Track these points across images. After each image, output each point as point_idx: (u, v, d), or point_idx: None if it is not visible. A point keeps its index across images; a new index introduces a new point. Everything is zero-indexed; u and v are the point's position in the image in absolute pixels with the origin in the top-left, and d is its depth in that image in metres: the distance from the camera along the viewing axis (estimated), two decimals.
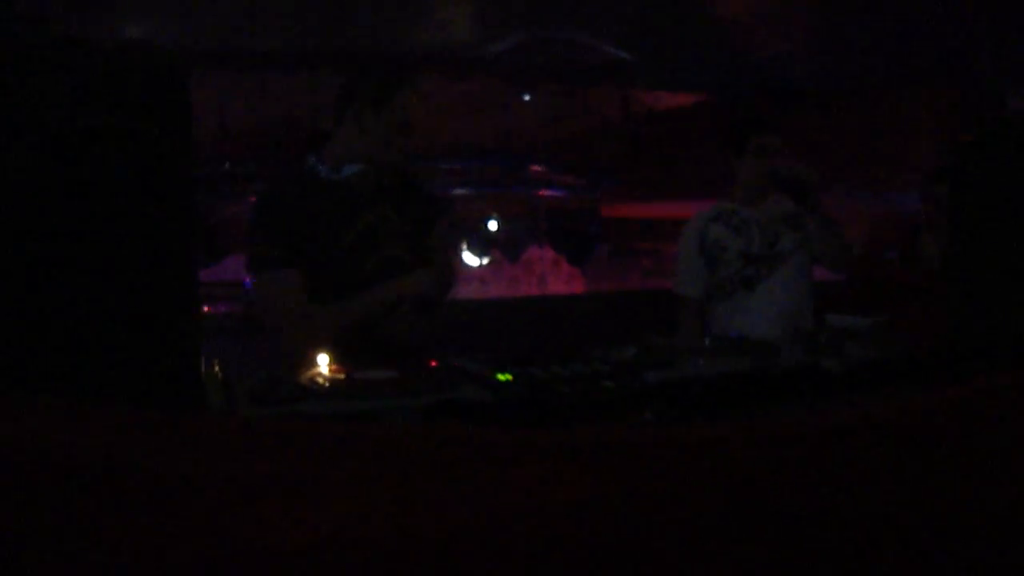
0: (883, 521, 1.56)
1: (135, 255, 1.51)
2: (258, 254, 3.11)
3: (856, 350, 2.81)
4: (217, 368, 2.17)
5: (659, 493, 1.48)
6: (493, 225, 9.40)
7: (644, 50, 7.07)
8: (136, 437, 1.29)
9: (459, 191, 8.77)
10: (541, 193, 9.53)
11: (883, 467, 1.61)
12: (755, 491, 1.53)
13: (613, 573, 1.39)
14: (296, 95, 7.60)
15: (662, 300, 4.43)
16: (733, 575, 1.46)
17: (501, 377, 2.38)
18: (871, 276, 4.50)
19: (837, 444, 1.62)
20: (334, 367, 2.46)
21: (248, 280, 9.27)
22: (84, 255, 1.47)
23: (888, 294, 4.27)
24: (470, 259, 9.45)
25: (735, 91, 7.52)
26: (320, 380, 2.36)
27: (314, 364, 2.45)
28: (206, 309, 9.98)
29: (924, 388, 2.53)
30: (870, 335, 2.98)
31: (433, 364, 2.60)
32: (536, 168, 9.07)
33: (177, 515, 1.24)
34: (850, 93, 7.69)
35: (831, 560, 1.52)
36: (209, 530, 1.25)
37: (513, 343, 3.19)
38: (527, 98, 8.17)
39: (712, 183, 4.31)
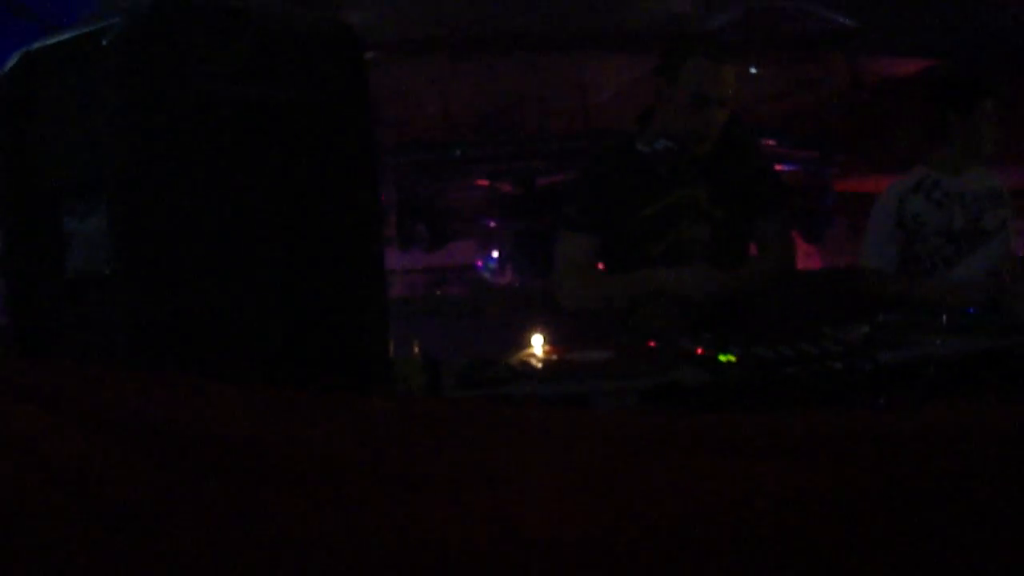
0: None
1: (319, 234, 1.47)
2: (565, 215, 3.26)
3: None
4: (418, 350, 2.14)
5: (893, 489, 1.35)
6: None
7: (871, 16, 6.81)
8: (320, 420, 1.26)
9: None
10: (774, 168, 9.28)
11: None
12: (997, 488, 1.39)
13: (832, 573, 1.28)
14: (520, 77, 7.61)
15: None
16: None
17: (723, 358, 2.27)
18: None
19: None
20: (548, 348, 2.41)
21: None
22: (265, 234, 1.44)
23: None
24: None
25: (969, 55, 7.14)
26: (533, 361, 2.31)
27: (522, 345, 2.40)
28: (437, 292, 10.22)
29: None
30: None
31: (651, 344, 2.51)
32: (768, 143, 8.84)
33: (353, 499, 1.20)
34: None
35: None
36: (391, 517, 1.20)
37: (745, 321, 3.08)
38: (754, 71, 7.95)
39: None
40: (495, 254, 9.88)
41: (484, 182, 9.05)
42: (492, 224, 9.90)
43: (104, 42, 1.28)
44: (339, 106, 1.49)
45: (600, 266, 3.33)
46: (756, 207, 3.26)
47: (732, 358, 2.27)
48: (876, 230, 3.87)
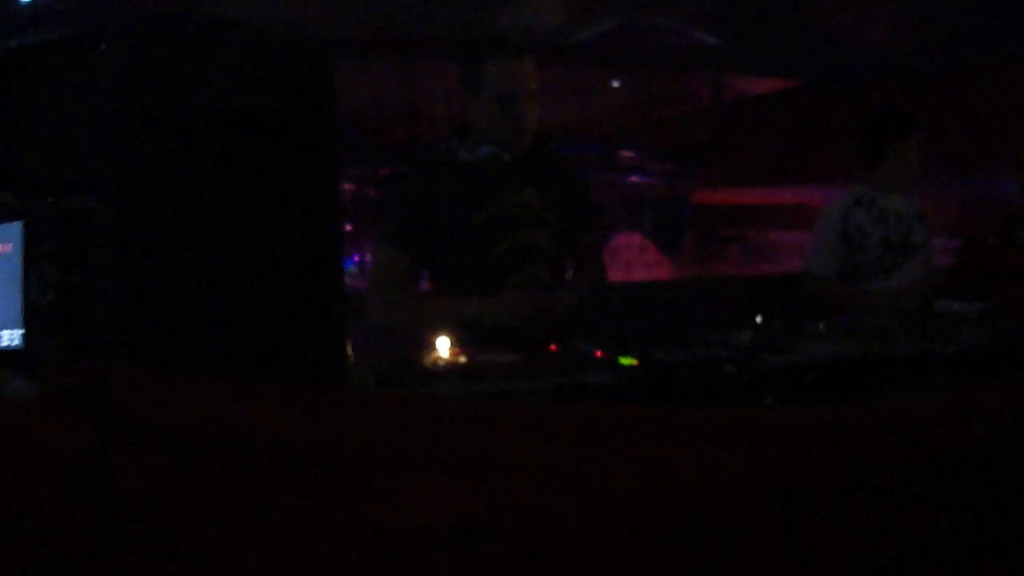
0: (994, 504, 1.54)
1: (282, 234, 1.51)
2: (383, 232, 3.17)
3: (968, 335, 2.79)
4: (351, 350, 2.17)
5: (795, 476, 1.46)
6: None
7: (734, 36, 7.04)
8: (290, 413, 1.30)
9: None
10: (632, 179, 9.49)
11: (993, 453, 1.59)
12: (872, 474, 1.51)
13: (734, 547, 1.38)
14: (389, 83, 7.62)
15: (764, 286, 4.70)
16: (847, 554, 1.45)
17: (625, 361, 2.36)
18: (977, 261, 4.62)
19: (950, 430, 1.60)
20: (454, 350, 2.45)
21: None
22: (232, 234, 1.47)
23: (992, 279, 4.34)
24: None
25: (826, 76, 7.45)
26: (443, 364, 2.35)
27: (434, 348, 2.44)
28: None
29: None
30: (980, 320, 2.99)
31: (552, 348, 2.58)
32: (627, 154, 9.04)
33: (332, 487, 1.25)
34: (940, 76, 7.55)
35: (944, 537, 1.50)
36: (358, 504, 1.25)
37: (608, 328, 3.13)
38: (616, 84, 8.14)
39: (802, 170, 4.33)
40: (355, 258, 9.89)
41: (350, 186, 9.05)
42: (347, 228, 9.90)
43: (103, 47, 1.30)
44: (308, 116, 1.52)
45: (425, 282, 3.29)
46: (575, 223, 3.26)
47: (633, 361, 2.36)
48: (821, 240, 4.12)
